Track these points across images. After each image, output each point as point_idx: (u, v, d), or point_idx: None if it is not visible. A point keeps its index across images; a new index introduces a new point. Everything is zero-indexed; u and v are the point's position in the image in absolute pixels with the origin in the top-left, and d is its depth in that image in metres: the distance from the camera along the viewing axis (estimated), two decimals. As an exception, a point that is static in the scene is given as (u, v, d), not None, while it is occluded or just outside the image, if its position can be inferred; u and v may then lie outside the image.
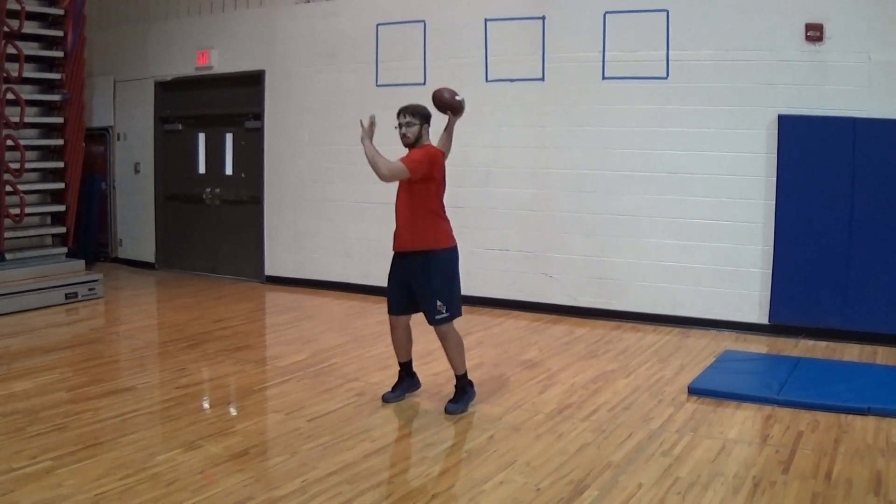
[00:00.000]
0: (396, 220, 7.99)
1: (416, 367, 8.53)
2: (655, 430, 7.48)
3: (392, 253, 8.14)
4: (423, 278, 7.87)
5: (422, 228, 7.86)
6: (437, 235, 7.94)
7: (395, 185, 8.04)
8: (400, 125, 7.86)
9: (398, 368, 8.48)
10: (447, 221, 8.04)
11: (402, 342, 8.31)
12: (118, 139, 17.01)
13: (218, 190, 15.81)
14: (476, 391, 8.28)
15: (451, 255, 7.99)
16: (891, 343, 10.44)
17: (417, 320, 8.21)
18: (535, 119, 12.44)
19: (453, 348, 8.06)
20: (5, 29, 12.77)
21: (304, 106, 14.49)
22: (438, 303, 7.87)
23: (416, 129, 7.83)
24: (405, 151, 7.96)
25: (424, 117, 7.91)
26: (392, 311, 8.19)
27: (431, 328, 8.04)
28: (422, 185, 7.79)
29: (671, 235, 11.61)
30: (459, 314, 8.08)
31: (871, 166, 10.46)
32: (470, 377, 8.27)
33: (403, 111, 7.90)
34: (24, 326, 11.57)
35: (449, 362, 8.18)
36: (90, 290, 13.44)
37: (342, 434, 7.36)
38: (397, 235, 7.99)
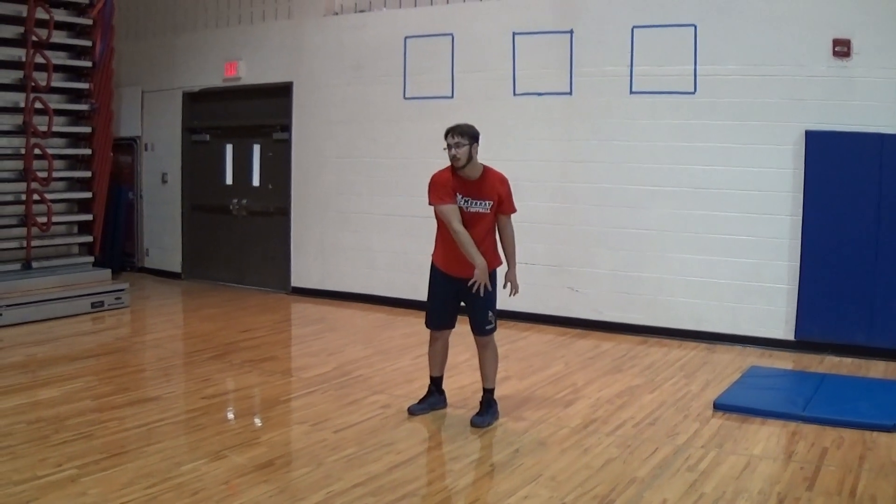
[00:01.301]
0: (459, 253, 7.85)
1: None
2: (681, 446, 7.46)
3: (438, 272, 8.15)
4: (484, 294, 7.84)
5: (490, 254, 7.96)
6: (498, 257, 8.17)
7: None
8: (449, 146, 7.72)
9: (425, 381, 8.53)
10: None
11: (440, 356, 8.35)
12: (146, 149, 17.09)
13: (245, 201, 15.85)
14: (500, 410, 8.27)
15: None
16: (918, 360, 10.40)
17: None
18: (562, 133, 12.44)
19: (491, 358, 8.14)
20: (34, 38, 12.87)
21: (331, 118, 14.52)
22: (490, 314, 7.98)
23: (465, 149, 7.69)
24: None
25: (473, 137, 7.76)
26: (437, 325, 8.21)
27: (459, 343, 8.08)
28: (494, 214, 7.95)
29: (697, 250, 11.59)
30: (497, 328, 8.15)
31: (899, 182, 10.44)
32: (496, 390, 8.27)
33: (452, 131, 7.76)
34: (51, 335, 11.63)
35: (482, 373, 8.21)
36: (116, 299, 13.48)
37: (367, 446, 7.36)
38: (464, 266, 7.81)
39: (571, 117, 12.36)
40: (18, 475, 6.44)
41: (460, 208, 7.79)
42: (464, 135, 7.72)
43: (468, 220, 7.81)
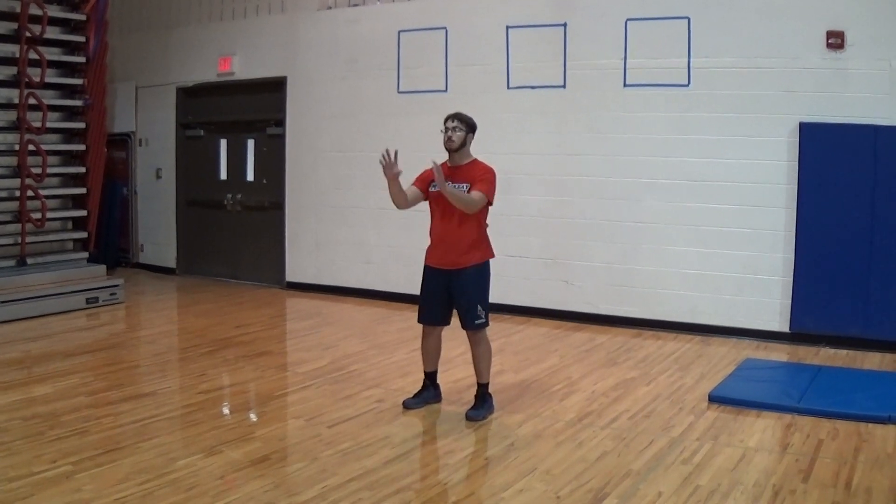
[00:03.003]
0: (441, 239, 8.02)
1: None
2: (676, 438, 7.47)
3: (424, 265, 8.21)
4: (469, 286, 7.93)
5: (475, 245, 7.97)
6: (487, 249, 8.10)
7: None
8: (447, 129, 7.92)
9: (420, 376, 8.52)
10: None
11: (433, 351, 8.36)
12: (140, 145, 17.06)
13: (239, 196, 15.84)
14: (495, 403, 8.28)
15: (490, 265, 8.10)
16: (912, 352, 10.42)
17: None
18: (556, 126, 12.44)
19: (484, 354, 8.12)
20: (27, 34, 12.85)
21: (325, 112, 14.52)
22: (479, 308, 7.95)
23: (462, 134, 7.90)
24: (438, 158, 8.00)
25: (471, 126, 8.00)
26: (428, 321, 8.23)
27: (454, 337, 8.08)
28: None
29: (692, 243, 11.59)
30: (488, 323, 8.12)
31: (893, 174, 10.42)
32: (490, 384, 8.28)
33: (452, 116, 7.98)
34: (45, 331, 11.63)
35: (475, 368, 8.19)
36: (111, 294, 13.48)
37: (362, 440, 7.36)
38: (444, 254, 8.01)
39: (565, 110, 12.36)
40: (14, 471, 6.44)
41: (439, 193, 7.84)
42: (463, 121, 7.95)
43: (446, 204, 7.85)
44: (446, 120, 7.98)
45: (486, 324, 8.03)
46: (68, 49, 13.96)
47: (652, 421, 7.98)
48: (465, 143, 7.94)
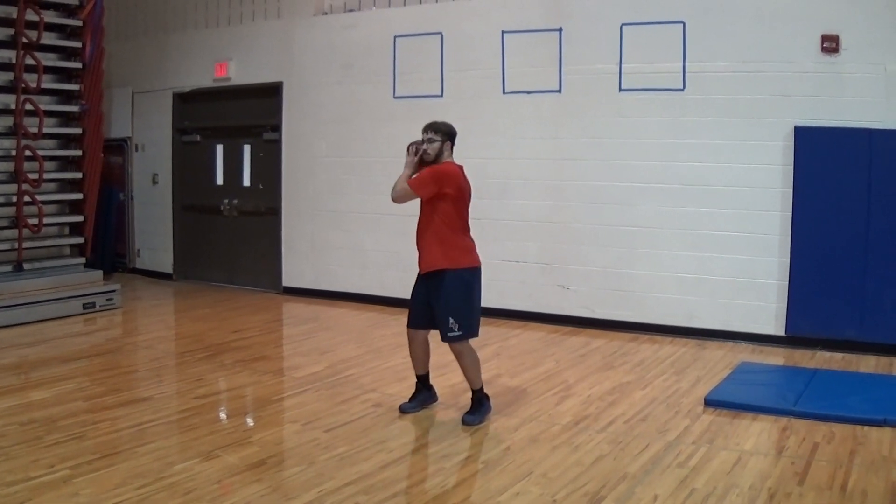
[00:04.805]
0: (416, 241, 8.05)
1: (432, 379, 8.53)
2: (671, 442, 7.48)
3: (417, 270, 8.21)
4: (440, 295, 7.88)
5: (441, 248, 7.90)
6: (456, 254, 7.94)
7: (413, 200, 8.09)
8: (423, 141, 7.92)
9: (415, 380, 8.51)
10: (469, 240, 8.07)
11: (419, 355, 8.33)
12: (136, 150, 17.08)
13: (235, 201, 15.85)
14: (492, 405, 8.27)
15: (469, 275, 7.97)
16: (907, 355, 10.43)
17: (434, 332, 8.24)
18: (551, 131, 12.45)
19: (468, 365, 8.06)
20: (24, 40, 12.85)
21: (321, 117, 14.53)
22: (451, 320, 7.86)
23: (437, 145, 7.89)
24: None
25: (447, 135, 7.97)
26: (410, 324, 8.22)
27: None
28: (439, 203, 7.84)
29: (688, 247, 11.60)
30: (475, 334, 8.05)
31: (888, 177, 10.44)
32: (486, 388, 8.28)
33: (428, 128, 7.98)
34: (42, 336, 11.62)
35: (465, 378, 8.18)
36: (108, 300, 13.47)
37: (359, 445, 7.37)
38: (419, 257, 8.04)
39: (561, 115, 12.37)
40: (11, 476, 6.45)
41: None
42: (438, 132, 7.96)
43: (421, 204, 7.99)
44: (423, 131, 8.00)
45: (461, 336, 7.93)
46: (65, 55, 13.95)
47: (648, 425, 7.99)
48: (441, 153, 7.95)
